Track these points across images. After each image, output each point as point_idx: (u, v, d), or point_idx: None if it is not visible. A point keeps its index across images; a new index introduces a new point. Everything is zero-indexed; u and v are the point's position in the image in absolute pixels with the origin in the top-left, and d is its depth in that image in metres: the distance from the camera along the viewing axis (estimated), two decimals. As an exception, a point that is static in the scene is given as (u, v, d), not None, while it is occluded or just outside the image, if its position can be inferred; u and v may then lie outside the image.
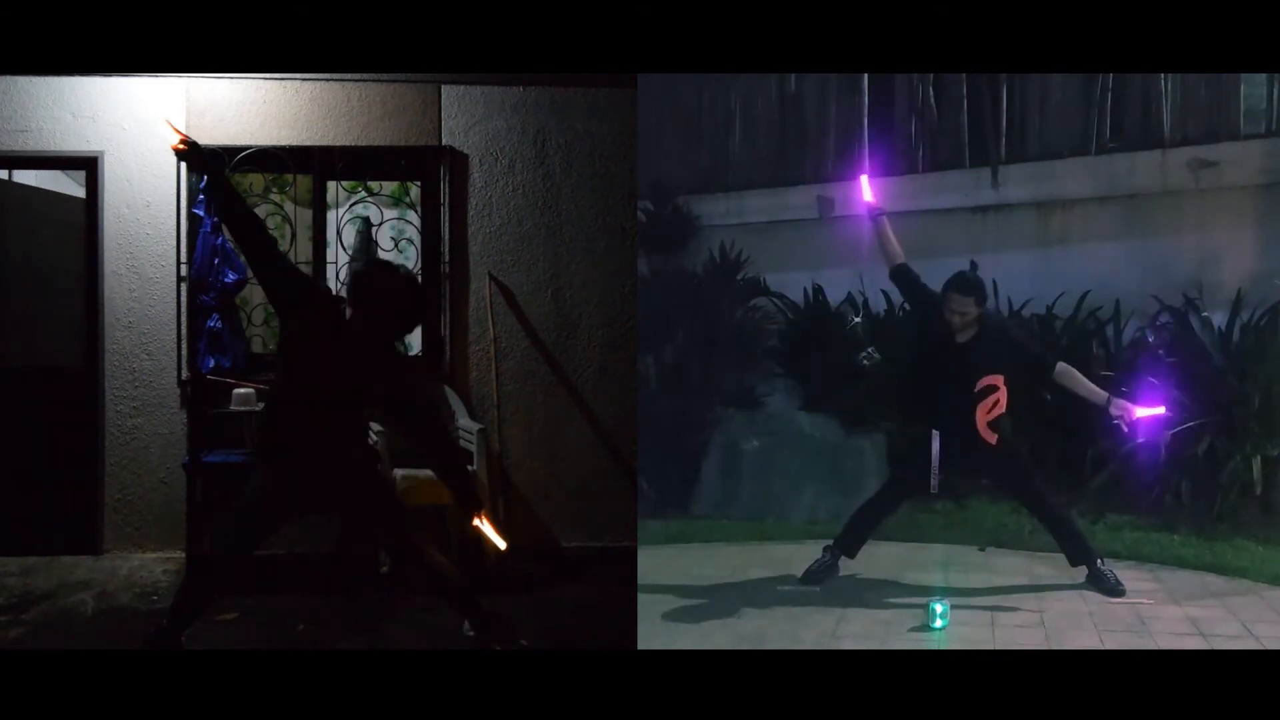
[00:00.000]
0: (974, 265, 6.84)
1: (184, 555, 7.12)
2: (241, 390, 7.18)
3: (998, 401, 5.63)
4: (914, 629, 5.24)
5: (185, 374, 7.58)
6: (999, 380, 5.64)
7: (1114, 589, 5.64)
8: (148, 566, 7.35)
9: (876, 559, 6.08)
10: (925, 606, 5.29)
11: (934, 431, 5.72)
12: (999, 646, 5.03)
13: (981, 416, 5.62)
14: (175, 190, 7.58)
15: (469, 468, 7.02)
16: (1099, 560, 5.76)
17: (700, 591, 5.78)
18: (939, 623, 5.21)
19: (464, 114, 7.84)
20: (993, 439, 5.65)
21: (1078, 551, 5.81)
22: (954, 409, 5.71)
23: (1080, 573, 5.79)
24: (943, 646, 5.09)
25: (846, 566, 5.92)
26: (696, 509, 7.46)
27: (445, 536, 6.98)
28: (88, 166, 7.64)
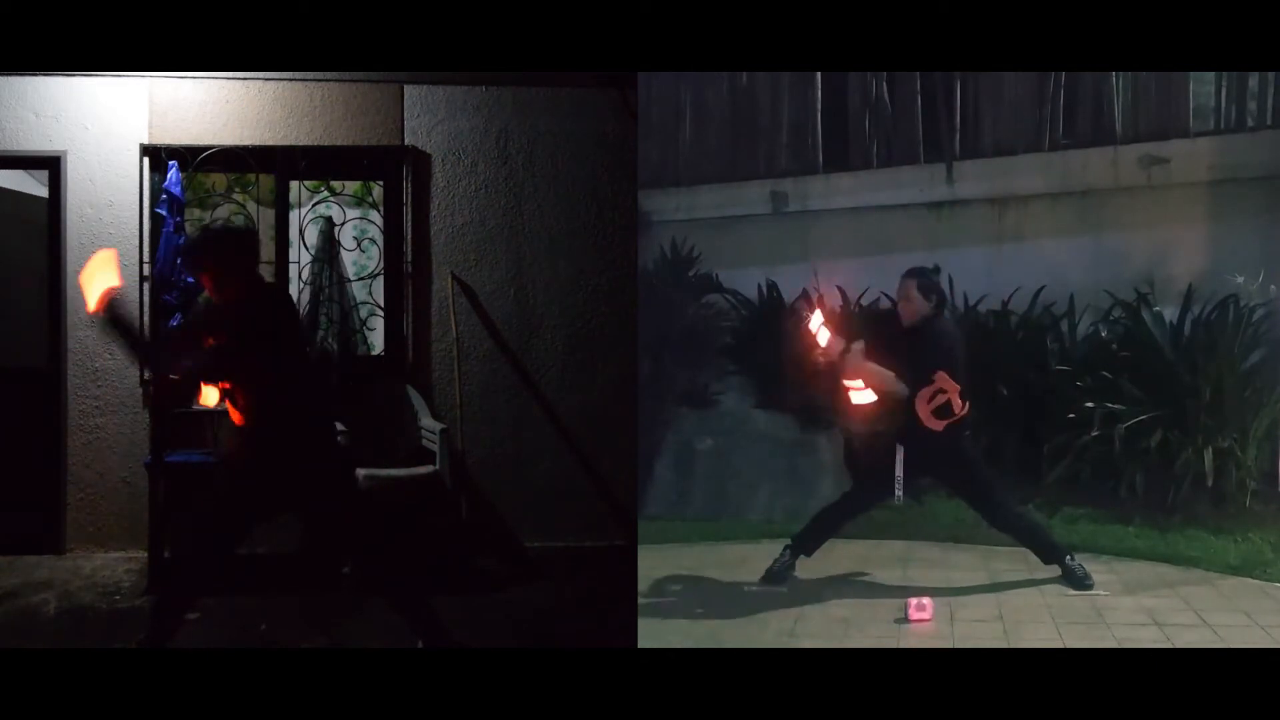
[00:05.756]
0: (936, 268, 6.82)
1: (146, 555, 7.11)
2: (204, 390, 7.17)
3: (940, 391, 5.58)
4: (898, 620, 5.34)
5: (147, 373, 7.55)
6: (942, 375, 5.60)
7: (1083, 582, 5.74)
8: (110, 566, 7.34)
9: (834, 557, 6.13)
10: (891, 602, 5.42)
11: (898, 445, 5.74)
12: (958, 642, 5.10)
13: (923, 405, 5.60)
14: (138, 190, 7.57)
15: (432, 468, 7.08)
16: (1069, 556, 5.86)
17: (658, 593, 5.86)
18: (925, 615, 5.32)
19: (426, 114, 7.85)
20: (938, 426, 5.60)
21: (1046, 551, 5.89)
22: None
23: (1049, 569, 5.87)
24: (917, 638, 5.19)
25: (806, 566, 5.96)
26: (650, 509, 7.42)
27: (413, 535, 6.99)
28: (50, 166, 7.62)
